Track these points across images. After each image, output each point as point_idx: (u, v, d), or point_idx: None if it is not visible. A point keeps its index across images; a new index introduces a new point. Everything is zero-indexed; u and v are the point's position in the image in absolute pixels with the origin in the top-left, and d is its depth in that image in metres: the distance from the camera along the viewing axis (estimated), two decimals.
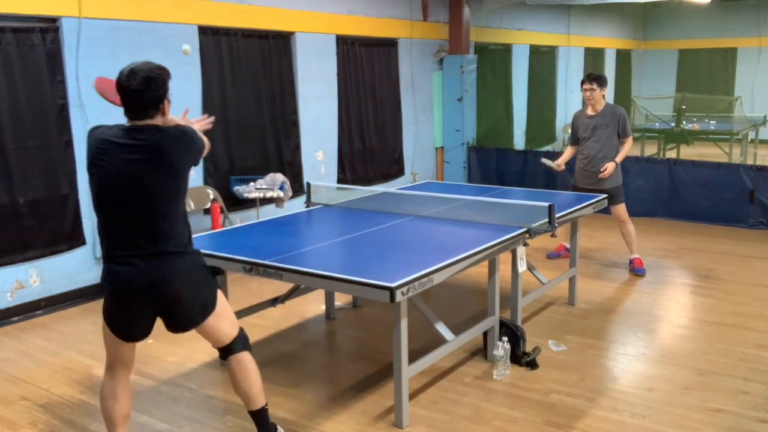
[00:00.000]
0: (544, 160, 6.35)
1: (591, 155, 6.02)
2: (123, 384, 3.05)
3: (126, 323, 2.92)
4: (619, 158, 5.98)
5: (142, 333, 2.96)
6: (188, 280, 2.89)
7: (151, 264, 2.80)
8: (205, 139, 3.02)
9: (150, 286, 2.81)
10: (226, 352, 3.08)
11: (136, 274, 2.79)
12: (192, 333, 4.85)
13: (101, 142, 2.79)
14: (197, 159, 2.97)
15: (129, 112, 2.82)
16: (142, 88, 2.76)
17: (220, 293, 3.04)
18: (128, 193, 2.75)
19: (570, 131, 6.40)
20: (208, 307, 2.97)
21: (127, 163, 2.74)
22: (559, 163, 6.24)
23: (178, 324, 2.97)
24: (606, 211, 5.73)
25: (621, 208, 6.09)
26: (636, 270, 6.09)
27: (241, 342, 3.10)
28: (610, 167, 5.89)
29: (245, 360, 3.09)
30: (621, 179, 6.13)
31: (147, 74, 2.78)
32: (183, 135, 2.85)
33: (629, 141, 6.05)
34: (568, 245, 6.56)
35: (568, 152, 6.33)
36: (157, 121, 2.84)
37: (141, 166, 2.74)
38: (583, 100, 6.26)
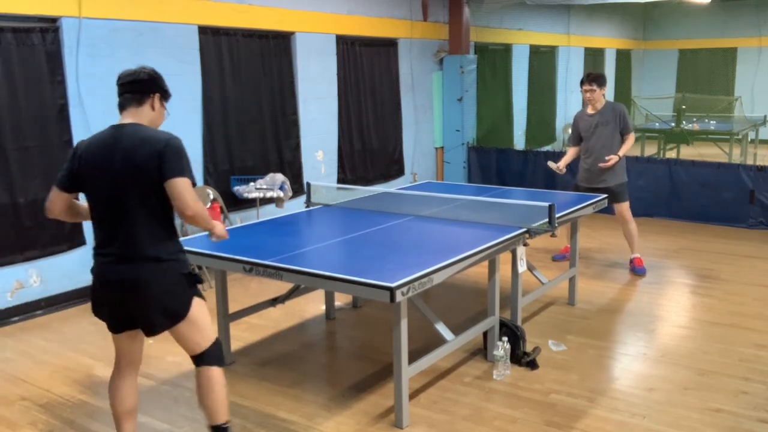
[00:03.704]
0: (550, 163, 6.33)
1: (594, 154, 5.99)
2: (125, 379, 3.06)
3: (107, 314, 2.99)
4: (621, 152, 5.94)
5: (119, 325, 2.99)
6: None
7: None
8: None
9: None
10: (197, 361, 3.04)
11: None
12: None
13: None
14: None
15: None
16: None
17: (196, 301, 2.97)
18: None
19: (571, 131, 6.39)
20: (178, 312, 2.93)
21: None
22: (561, 167, 6.20)
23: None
24: (606, 211, 5.72)
25: (625, 207, 6.07)
26: (636, 270, 6.09)
27: (212, 355, 3.03)
28: (613, 158, 5.87)
29: (211, 376, 3.02)
30: (626, 177, 6.10)
31: None
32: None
33: (631, 137, 6.03)
34: None
35: (570, 153, 6.30)
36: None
37: None
38: (583, 101, 6.27)
